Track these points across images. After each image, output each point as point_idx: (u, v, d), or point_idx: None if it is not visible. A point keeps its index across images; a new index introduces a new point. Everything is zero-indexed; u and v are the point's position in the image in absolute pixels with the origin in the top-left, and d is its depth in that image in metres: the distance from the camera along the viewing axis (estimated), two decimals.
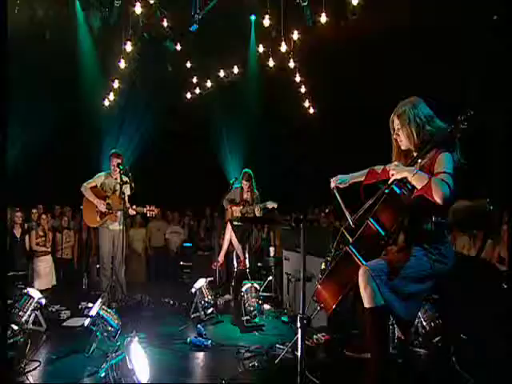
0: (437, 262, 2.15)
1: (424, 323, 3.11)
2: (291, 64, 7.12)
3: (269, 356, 2.93)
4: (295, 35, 6.48)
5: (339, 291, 2.23)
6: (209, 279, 4.49)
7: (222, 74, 7.77)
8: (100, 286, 4.92)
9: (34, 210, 6.42)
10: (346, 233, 2.45)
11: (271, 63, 7.01)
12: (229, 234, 5.26)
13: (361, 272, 2.08)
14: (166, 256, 7.60)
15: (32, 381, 2.67)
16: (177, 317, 4.35)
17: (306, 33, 6.51)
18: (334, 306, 2.24)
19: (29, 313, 3.63)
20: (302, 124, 8.14)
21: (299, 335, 2.19)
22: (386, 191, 2.23)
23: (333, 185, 2.62)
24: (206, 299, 4.29)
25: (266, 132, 8.22)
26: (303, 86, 7.73)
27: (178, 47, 6.68)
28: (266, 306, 4.63)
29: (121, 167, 4.73)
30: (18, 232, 6.10)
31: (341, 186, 2.63)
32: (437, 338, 2.98)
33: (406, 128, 2.26)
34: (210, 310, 4.29)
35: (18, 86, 6.86)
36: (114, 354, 2.47)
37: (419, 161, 2.24)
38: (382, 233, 2.18)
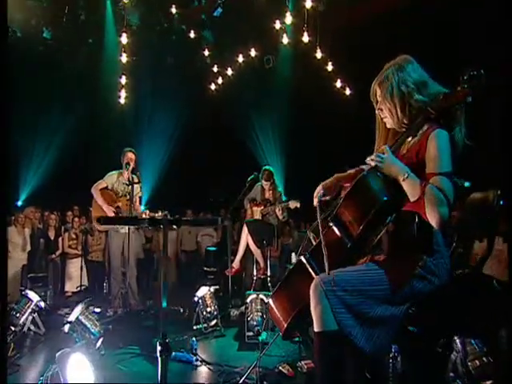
0: (418, 278, 1.54)
1: (467, 360, 2.31)
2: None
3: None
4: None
5: (291, 309, 1.72)
6: (214, 287, 4.09)
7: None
8: (112, 291, 4.78)
9: (69, 213, 6.63)
10: (311, 237, 1.93)
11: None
12: (245, 238, 4.80)
13: (312, 286, 1.55)
14: (198, 260, 7.35)
15: None
16: (179, 327, 3.98)
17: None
18: (285, 326, 1.73)
19: (26, 315, 3.57)
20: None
21: (159, 366, 1.71)
22: (353, 182, 1.69)
23: (316, 202, 1.93)
24: (209, 309, 3.88)
25: (299, 126, 7.71)
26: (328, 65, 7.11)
27: (192, 35, 6.46)
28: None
29: (127, 167, 4.57)
30: (52, 234, 6.34)
31: (324, 198, 1.96)
32: (488, 383, 2.18)
33: (387, 100, 1.68)
34: (213, 322, 3.88)
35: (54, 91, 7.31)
36: (54, 366, 2.22)
37: (409, 139, 1.67)
38: (345, 238, 1.64)
